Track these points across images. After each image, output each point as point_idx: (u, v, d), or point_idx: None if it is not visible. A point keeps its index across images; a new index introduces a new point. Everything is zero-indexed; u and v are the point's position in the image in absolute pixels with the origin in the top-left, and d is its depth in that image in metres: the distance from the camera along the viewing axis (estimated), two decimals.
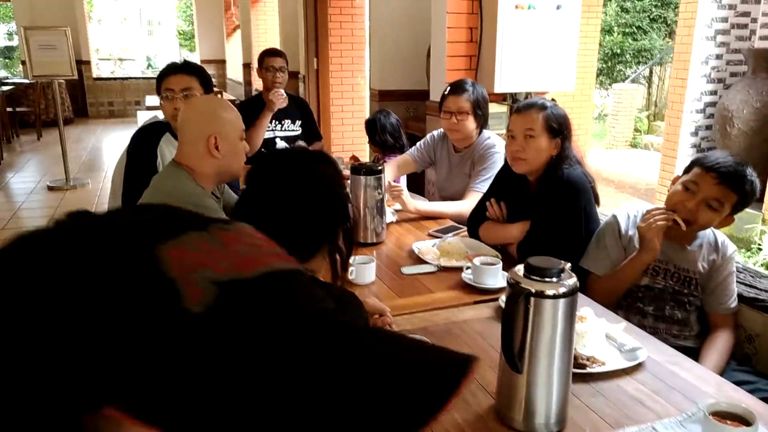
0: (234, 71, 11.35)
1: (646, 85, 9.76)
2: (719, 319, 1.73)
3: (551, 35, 3.19)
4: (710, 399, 1.14)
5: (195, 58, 14.97)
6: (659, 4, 10.13)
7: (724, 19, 5.16)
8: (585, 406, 1.18)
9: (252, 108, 3.58)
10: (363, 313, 1.08)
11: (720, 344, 1.68)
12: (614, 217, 1.85)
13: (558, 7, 3.14)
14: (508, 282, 1.10)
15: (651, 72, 9.76)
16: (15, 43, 18.02)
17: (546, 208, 1.85)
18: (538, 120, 1.88)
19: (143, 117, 8.12)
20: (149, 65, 19.64)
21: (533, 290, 1.05)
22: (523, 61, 3.18)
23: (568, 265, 1.09)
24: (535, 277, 1.06)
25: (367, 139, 3.60)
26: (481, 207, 2.10)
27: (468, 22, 3.26)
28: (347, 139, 6.31)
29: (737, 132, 4.95)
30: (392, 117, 3.40)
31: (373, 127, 3.39)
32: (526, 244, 1.88)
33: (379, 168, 2.09)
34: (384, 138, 3.35)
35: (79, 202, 5.61)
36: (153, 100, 9.95)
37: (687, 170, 1.72)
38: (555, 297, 1.05)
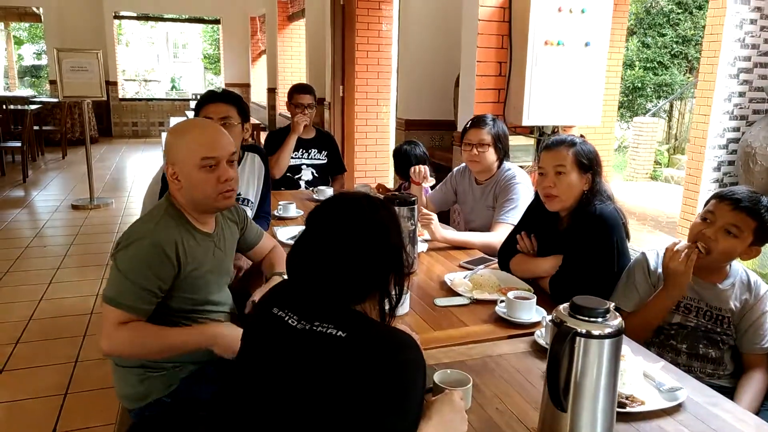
0: (258, 95, 11.55)
1: (667, 118, 9.78)
2: (754, 360, 1.72)
3: (579, 71, 3.24)
4: None
5: (220, 81, 15.30)
6: (680, 40, 10.21)
7: (747, 58, 5.19)
8: None
9: (281, 135, 3.68)
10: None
11: (755, 385, 1.67)
12: (643, 254, 1.86)
13: (587, 44, 3.20)
14: (552, 321, 1.12)
15: (671, 106, 9.79)
16: (42, 62, 18.50)
17: (578, 243, 1.87)
18: (568, 156, 1.91)
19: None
20: (174, 87, 20.04)
21: (580, 330, 1.07)
22: (551, 96, 3.23)
23: (612, 305, 1.11)
24: (581, 317, 1.08)
25: (393, 168, 3.65)
26: (511, 240, 2.13)
27: (497, 56, 3.33)
28: (370, 166, 6.38)
29: (760, 168, 4.94)
30: (419, 148, 3.46)
31: (400, 156, 3.45)
32: (558, 279, 1.89)
33: (413, 199, 2.13)
34: (409, 169, 3.40)
35: (102, 222, 5.71)
36: (177, 121, 10.17)
37: (705, 204, 1.75)
38: (601, 337, 1.07)
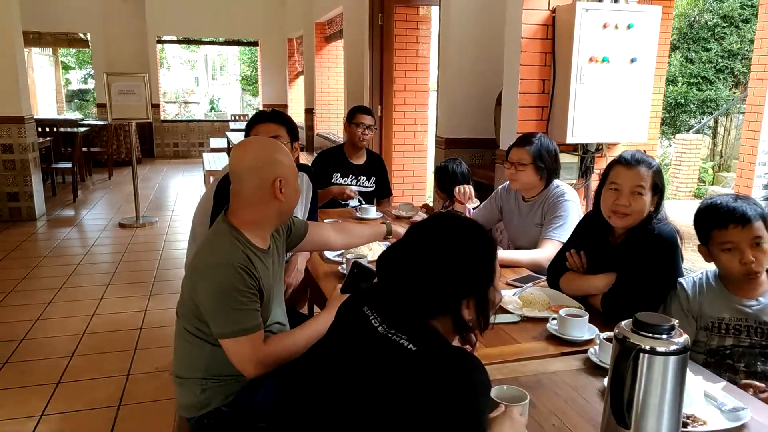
0: (296, 116, 11.76)
1: (711, 135, 9.57)
2: None
3: (625, 87, 3.22)
4: None
5: (258, 102, 15.64)
6: (726, 55, 10.01)
7: None
8: None
9: (332, 158, 3.76)
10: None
11: None
12: (680, 284, 1.83)
13: (633, 60, 3.18)
14: (616, 337, 1.12)
15: (716, 122, 9.58)
16: (89, 86, 19.22)
17: (635, 260, 1.85)
18: (648, 178, 1.89)
19: (209, 158, 8.51)
20: (213, 108, 20.56)
21: (645, 347, 1.06)
22: (596, 113, 3.22)
23: (677, 321, 1.10)
24: (645, 333, 1.08)
25: (435, 185, 3.67)
26: (560, 258, 2.11)
27: (540, 74, 3.34)
28: (407, 185, 6.43)
29: None
30: (463, 166, 3.47)
31: (444, 174, 3.46)
32: (611, 297, 1.87)
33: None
34: (452, 186, 3.41)
35: (148, 240, 5.87)
36: (217, 142, 10.44)
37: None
38: (666, 354, 1.06)
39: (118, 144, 10.84)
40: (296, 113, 11.57)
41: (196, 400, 1.71)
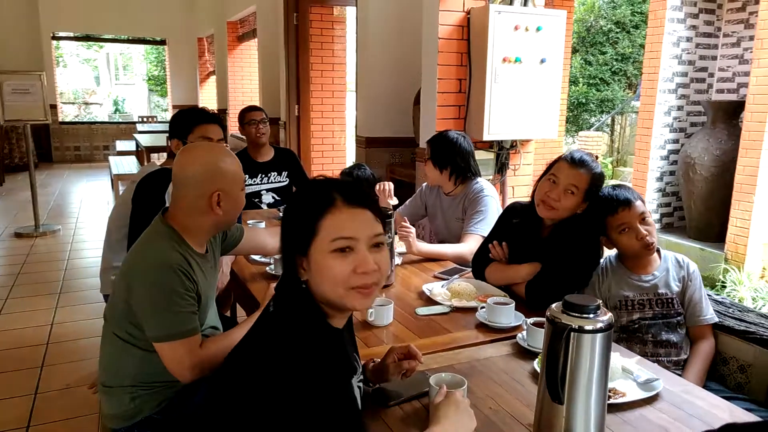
0: None
1: (609, 132, 10.24)
2: (699, 332, 1.91)
3: (536, 86, 3.39)
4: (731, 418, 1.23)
5: (166, 103, 15.03)
6: (620, 58, 10.76)
7: (684, 74, 5.53)
8: None
9: (242, 159, 3.68)
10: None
11: (702, 352, 1.88)
12: (595, 275, 2.00)
13: (542, 61, 3.35)
14: (547, 318, 1.18)
15: (613, 120, 10.26)
16: None
17: (559, 252, 1.95)
18: (585, 180, 1.95)
19: (117, 162, 8.09)
20: (117, 110, 19.53)
21: (574, 326, 1.13)
22: (510, 111, 3.36)
23: (600, 301, 1.18)
24: (574, 314, 1.15)
25: None
26: (484, 249, 2.20)
27: (457, 73, 3.44)
28: None
29: (699, 177, 5.24)
30: (368, 171, 3.43)
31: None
32: (535, 284, 1.97)
33: (390, 212, 2.17)
34: None
35: (50, 249, 5.50)
36: (124, 145, 9.93)
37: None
38: (594, 332, 1.13)
39: (10, 148, 10.06)
40: None
41: (125, 409, 1.64)
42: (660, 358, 1.85)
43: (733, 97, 5.54)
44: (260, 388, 1.00)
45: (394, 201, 2.99)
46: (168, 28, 11.83)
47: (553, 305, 1.20)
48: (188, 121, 2.43)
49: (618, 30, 11.02)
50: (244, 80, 9.14)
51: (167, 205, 1.93)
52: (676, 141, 5.66)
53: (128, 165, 7.91)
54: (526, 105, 3.39)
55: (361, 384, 1.27)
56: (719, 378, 1.93)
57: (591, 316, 1.14)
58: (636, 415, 1.34)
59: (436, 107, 3.44)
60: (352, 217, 1.09)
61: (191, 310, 1.57)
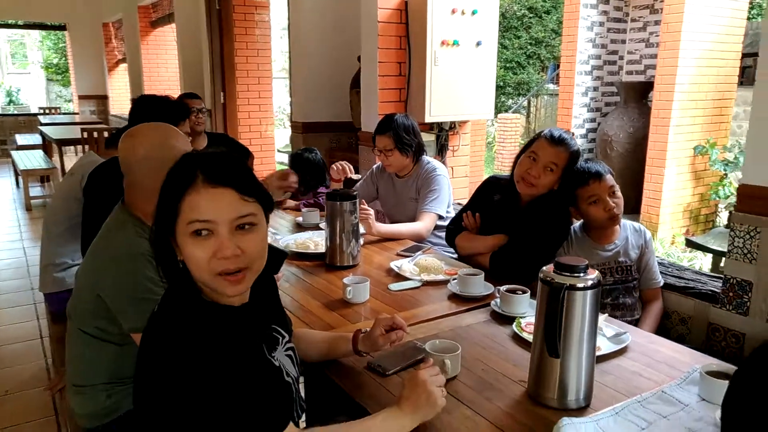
0: (120, 107, 10.84)
1: (526, 114, 10.70)
2: (651, 294, 2.10)
3: (473, 68, 3.50)
4: (696, 366, 1.37)
5: (69, 93, 14.11)
6: (534, 42, 11.23)
7: (598, 57, 5.88)
8: (600, 383, 1.36)
9: None
10: None
11: (654, 312, 2.07)
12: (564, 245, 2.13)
13: (478, 44, 3.47)
14: (542, 279, 1.26)
15: (529, 103, 10.72)
16: None
17: (532, 225, 2.05)
18: (564, 158, 2.03)
19: (21, 157, 7.52)
20: (11, 101, 18.08)
21: (568, 284, 1.22)
22: (450, 93, 3.46)
23: (587, 261, 1.28)
24: (566, 274, 1.24)
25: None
26: (459, 218, 2.29)
27: (397, 56, 3.49)
28: (256, 172, 6.29)
29: (615, 154, 5.62)
30: (318, 155, 3.44)
31: (300, 162, 3.40)
32: (501, 255, 2.07)
33: (354, 193, 2.20)
34: (307, 176, 3.38)
35: None
36: (27, 138, 9.24)
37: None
38: (584, 289, 1.23)
39: None
40: (121, 104, 10.68)
41: (101, 407, 1.58)
42: (616, 319, 1.99)
43: (641, 78, 5.95)
44: (161, 381, 0.97)
45: (357, 176, 3.00)
46: (68, 13, 11.06)
47: (545, 268, 1.28)
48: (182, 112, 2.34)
49: (531, 15, 11.49)
50: (161, 68, 8.75)
51: None
52: (593, 120, 6.02)
53: (35, 160, 7.39)
54: (464, 87, 3.50)
55: (291, 352, 1.25)
56: (663, 331, 2.11)
57: (581, 275, 1.24)
58: (613, 365, 1.46)
59: (378, 90, 3.48)
60: (211, 198, 1.00)
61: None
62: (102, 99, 11.48)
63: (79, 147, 7.71)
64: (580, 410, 1.26)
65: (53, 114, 11.51)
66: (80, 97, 11.60)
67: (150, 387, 0.99)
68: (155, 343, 1.02)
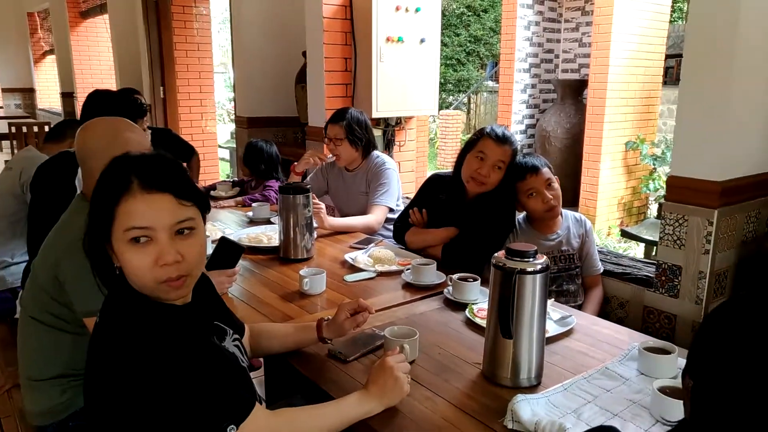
0: (48, 101, 10.35)
1: (466, 111, 10.92)
2: (592, 281, 2.23)
3: (417, 65, 3.57)
4: (635, 343, 1.48)
5: None
6: (473, 40, 11.47)
7: (535, 55, 6.09)
8: (549, 363, 1.45)
9: None
10: None
11: (595, 297, 2.20)
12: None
13: (422, 41, 3.54)
14: (494, 265, 1.33)
15: (469, 99, 10.96)
16: None
17: (480, 219, 2.13)
18: (509, 155, 2.13)
19: None
20: None
21: (519, 269, 1.29)
22: (396, 89, 3.51)
23: (536, 248, 1.36)
24: (517, 259, 1.31)
25: (242, 162, 3.60)
26: (405, 215, 2.35)
27: (342, 52, 3.52)
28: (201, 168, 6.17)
29: (554, 149, 5.85)
30: (274, 147, 3.49)
31: (255, 151, 3.44)
32: (452, 247, 2.15)
33: (308, 186, 2.22)
34: (261, 164, 3.41)
35: None
36: None
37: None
38: (534, 273, 1.30)
39: None
40: (49, 98, 10.19)
41: (56, 402, 1.56)
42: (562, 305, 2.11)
43: (576, 76, 6.21)
44: (118, 377, 0.97)
45: (332, 158, 2.94)
46: None
47: (497, 254, 1.35)
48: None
49: (470, 13, 11.74)
50: (92, 60, 8.41)
51: (79, 189, 1.86)
52: (531, 116, 6.23)
53: None
54: (409, 83, 3.56)
55: (238, 343, 1.25)
56: (604, 315, 2.24)
57: (531, 260, 1.31)
58: (560, 346, 1.55)
59: (324, 85, 3.50)
60: (147, 204, 0.98)
61: None
62: (28, 92, 10.93)
63: (6, 143, 7.35)
64: (532, 388, 1.34)
65: None
66: (3, 90, 11.00)
67: (107, 383, 0.98)
68: (106, 342, 1.01)
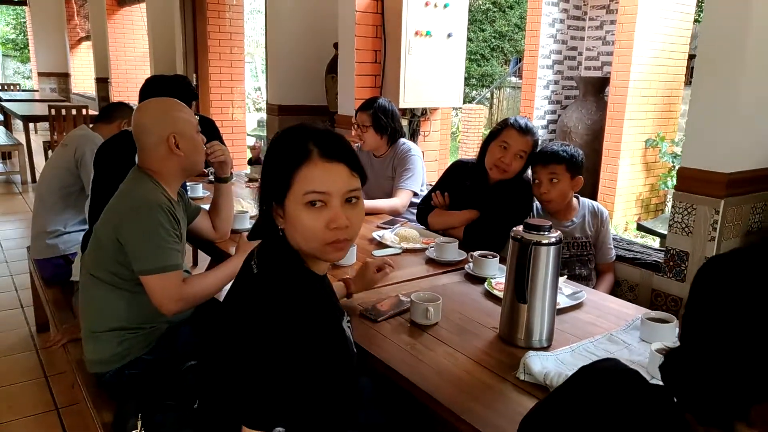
0: (82, 86, 10.66)
1: (489, 105, 11.02)
2: (605, 267, 2.37)
3: (444, 58, 3.72)
4: (638, 314, 1.63)
5: (29, 70, 13.73)
6: (498, 36, 11.55)
7: (559, 52, 6.19)
8: (559, 329, 1.60)
9: None
10: None
11: (606, 281, 2.35)
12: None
13: (449, 35, 3.68)
14: (513, 237, 1.49)
15: (492, 95, 11.05)
16: None
17: (500, 203, 2.29)
18: (531, 145, 2.29)
19: None
20: None
21: (535, 240, 1.45)
22: (422, 81, 3.67)
23: (551, 223, 1.51)
24: (533, 232, 1.47)
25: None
26: (429, 198, 2.51)
27: (373, 45, 3.68)
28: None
29: (574, 144, 5.95)
30: None
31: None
32: (474, 228, 2.31)
33: None
34: None
35: None
36: None
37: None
38: (549, 245, 1.46)
39: None
40: (83, 82, 10.50)
41: (114, 352, 1.74)
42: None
43: (598, 73, 6.29)
44: (258, 341, 1.02)
45: (357, 145, 3.13)
46: None
47: (515, 228, 1.51)
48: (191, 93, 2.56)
49: (495, 9, 11.82)
50: (128, 47, 8.67)
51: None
52: (553, 112, 6.33)
53: None
54: (435, 75, 3.71)
55: (349, 325, 1.35)
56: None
57: (546, 233, 1.47)
58: (570, 317, 1.70)
59: (355, 76, 3.66)
60: (326, 171, 1.07)
61: (177, 247, 1.72)
62: (63, 77, 11.26)
63: (41, 125, 7.60)
64: (543, 349, 1.49)
65: (13, 90, 11.23)
66: (40, 74, 11.34)
67: (254, 324, 1.04)
68: (263, 291, 1.08)
